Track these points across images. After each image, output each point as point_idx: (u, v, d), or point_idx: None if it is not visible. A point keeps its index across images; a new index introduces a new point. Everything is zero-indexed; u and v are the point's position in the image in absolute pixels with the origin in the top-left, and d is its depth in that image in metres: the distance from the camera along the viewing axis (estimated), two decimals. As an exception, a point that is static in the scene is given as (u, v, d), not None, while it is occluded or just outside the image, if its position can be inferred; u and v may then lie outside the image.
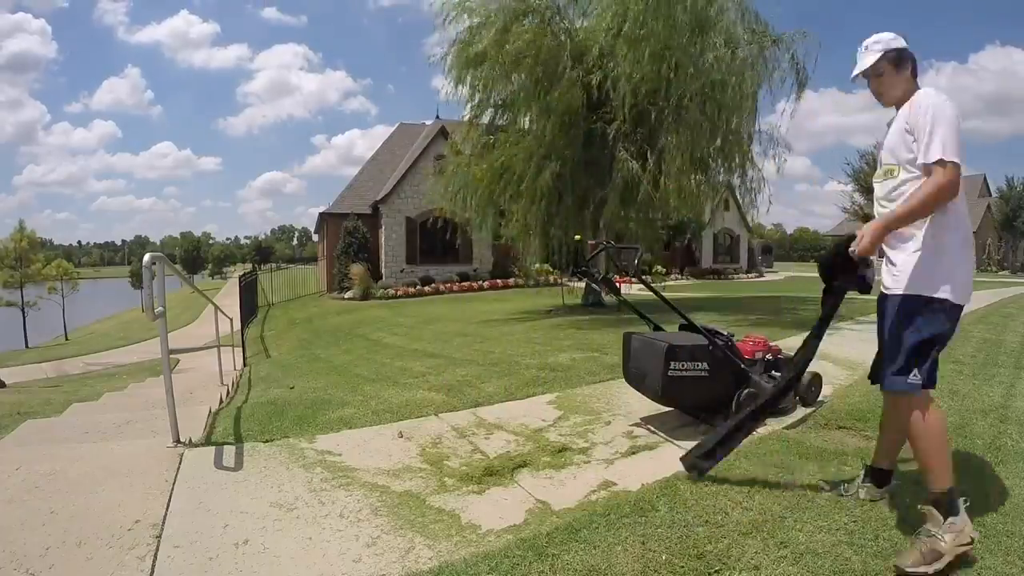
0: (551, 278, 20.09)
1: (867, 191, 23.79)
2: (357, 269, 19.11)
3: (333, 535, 2.14)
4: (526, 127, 10.67)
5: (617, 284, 3.54)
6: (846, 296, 2.26)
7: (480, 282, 20.47)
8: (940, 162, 1.86)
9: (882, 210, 2.09)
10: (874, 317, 2.21)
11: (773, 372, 3.67)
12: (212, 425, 3.50)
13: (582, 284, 12.19)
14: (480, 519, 2.28)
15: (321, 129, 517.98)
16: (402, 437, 3.25)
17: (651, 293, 3.48)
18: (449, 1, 10.11)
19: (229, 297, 19.29)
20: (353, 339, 9.35)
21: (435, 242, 20.56)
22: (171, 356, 3.47)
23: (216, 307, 7.64)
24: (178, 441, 2.99)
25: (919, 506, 1.96)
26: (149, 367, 9.67)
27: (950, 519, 1.84)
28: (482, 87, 10.35)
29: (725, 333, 3.38)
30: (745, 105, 9.49)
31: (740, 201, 12.51)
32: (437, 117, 22.21)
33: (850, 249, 2.04)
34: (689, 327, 3.37)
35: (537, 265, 18.06)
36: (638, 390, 3.43)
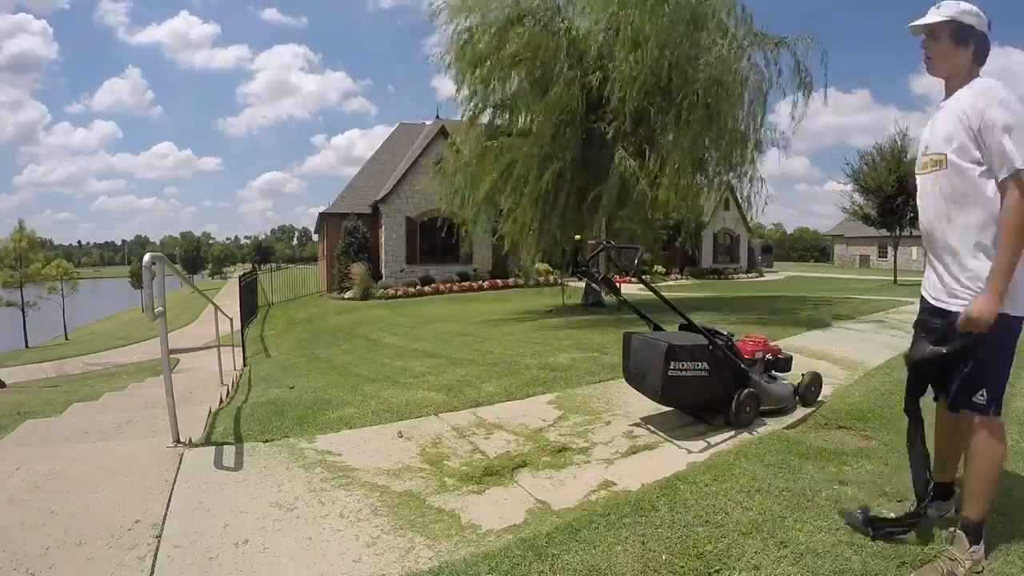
0: (551, 278, 20.11)
1: (867, 191, 23.77)
2: (357, 269, 19.11)
3: (333, 535, 2.14)
4: (526, 127, 10.67)
5: (617, 284, 3.54)
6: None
7: (480, 282, 20.48)
8: (1018, 173, 1.67)
9: (933, 206, 1.91)
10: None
11: (773, 372, 3.67)
12: (212, 425, 3.49)
13: (582, 284, 12.19)
14: (480, 519, 2.28)
15: (321, 129, 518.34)
16: (402, 437, 3.25)
17: (651, 293, 3.48)
18: (448, 1, 10.12)
19: (229, 297, 19.30)
20: (353, 339, 9.35)
21: (435, 242, 20.59)
22: (171, 356, 3.47)
23: (216, 307, 7.64)
24: (178, 441, 2.98)
25: (950, 528, 1.93)
26: (149, 367, 9.67)
27: (974, 546, 1.83)
28: (481, 87, 10.35)
29: (725, 333, 3.37)
30: (745, 106, 9.50)
31: (739, 201, 12.53)
32: (437, 117, 22.22)
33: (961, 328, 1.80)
34: (689, 327, 3.37)
35: (537, 265, 18.07)
36: (638, 390, 3.43)
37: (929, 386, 2.12)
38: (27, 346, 24.04)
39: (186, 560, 1.95)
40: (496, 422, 3.51)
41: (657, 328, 3.58)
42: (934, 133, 1.91)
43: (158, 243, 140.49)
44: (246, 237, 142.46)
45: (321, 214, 23.22)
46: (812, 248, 77.46)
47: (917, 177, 2.01)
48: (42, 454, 2.92)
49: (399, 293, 18.82)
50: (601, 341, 6.20)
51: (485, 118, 11.09)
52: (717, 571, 1.85)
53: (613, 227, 10.60)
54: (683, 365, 3.04)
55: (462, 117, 11.41)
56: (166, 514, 2.24)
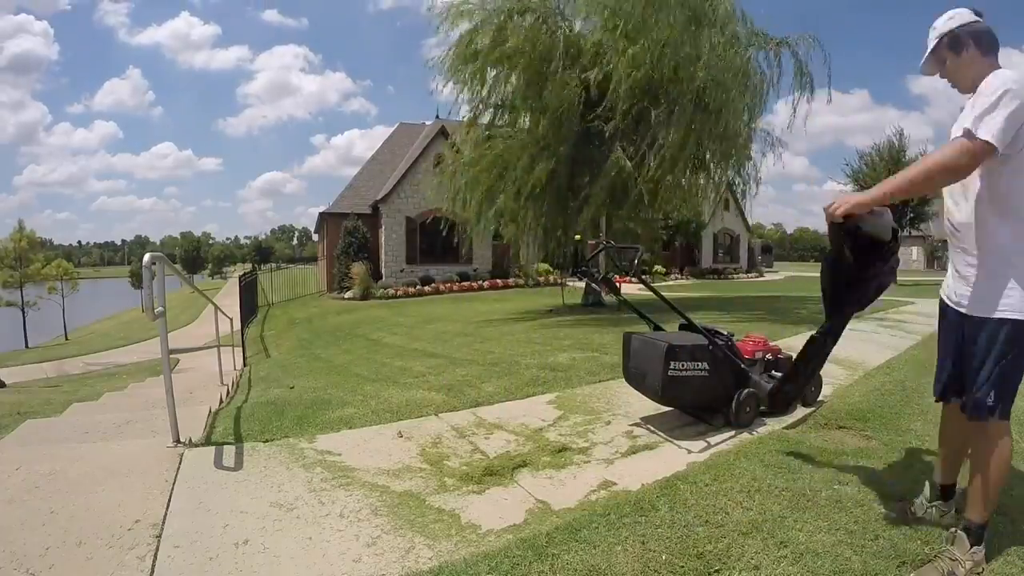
0: (551, 278, 20.12)
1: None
2: (357, 269, 19.12)
3: (333, 535, 2.14)
4: (525, 127, 10.68)
5: (617, 284, 3.54)
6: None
7: (480, 282, 20.48)
8: (968, 133, 1.67)
9: (950, 204, 1.92)
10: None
11: (773, 372, 3.67)
12: (212, 425, 3.49)
13: (582, 284, 12.19)
14: (480, 519, 2.28)
15: (321, 129, 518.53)
16: (402, 437, 3.25)
17: (651, 293, 3.48)
18: (447, 2, 10.13)
19: (229, 297, 19.30)
20: (353, 339, 9.35)
21: (435, 242, 20.59)
22: (171, 356, 3.47)
23: (216, 307, 7.64)
24: (178, 441, 2.98)
25: (951, 529, 1.93)
26: (149, 367, 9.67)
27: (975, 548, 1.83)
28: (480, 88, 10.37)
29: (725, 333, 3.38)
30: (744, 105, 9.49)
31: (739, 201, 12.53)
32: (437, 117, 22.21)
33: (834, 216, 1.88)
34: (689, 327, 3.37)
35: (537, 265, 18.06)
36: (638, 390, 3.43)
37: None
38: (27, 346, 24.03)
39: (186, 560, 1.95)
40: (496, 422, 3.51)
41: (657, 328, 3.58)
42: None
43: (158, 243, 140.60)
44: (246, 237, 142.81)
45: (321, 214, 23.22)
46: (812, 248, 77.49)
47: None
48: (42, 454, 2.92)
49: (399, 293, 18.83)
50: (601, 341, 6.20)
51: (485, 118, 11.11)
52: (717, 571, 1.85)
53: (613, 227, 10.62)
54: (683, 365, 3.04)
55: (462, 118, 11.44)
56: (166, 514, 2.24)
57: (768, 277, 30.53)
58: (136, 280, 42.08)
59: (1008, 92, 1.67)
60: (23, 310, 26.94)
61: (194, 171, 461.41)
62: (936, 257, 38.44)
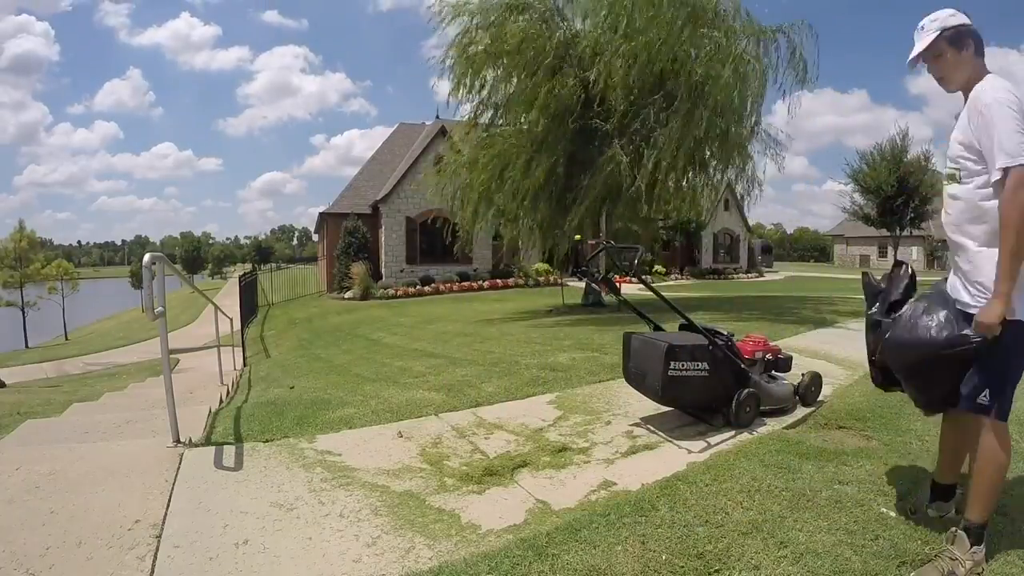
0: (551, 278, 20.12)
1: (867, 191, 23.78)
2: (357, 269, 19.12)
3: (333, 535, 2.14)
4: (524, 126, 10.67)
5: (617, 284, 3.54)
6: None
7: (480, 282, 20.48)
8: (1006, 170, 1.67)
9: (947, 217, 1.93)
10: None
11: (773, 372, 3.67)
12: (212, 425, 3.49)
13: (582, 284, 12.19)
14: (480, 519, 2.28)
15: (321, 130, 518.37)
16: (402, 437, 3.25)
17: (651, 293, 3.48)
18: (447, 2, 10.13)
19: (229, 297, 19.30)
20: (353, 339, 9.35)
21: (435, 242, 20.57)
22: (171, 356, 3.47)
23: (216, 307, 7.65)
24: (178, 441, 2.98)
25: (951, 529, 1.93)
26: (149, 367, 9.67)
27: (975, 548, 1.83)
28: (480, 87, 10.36)
29: (725, 333, 3.37)
30: (743, 100, 9.47)
31: (739, 200, 12.52)
32: (437, 117, 22.22)
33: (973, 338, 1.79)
34: (689, 327, 3.36)
35: (537, 265, 18.05)
36: (638, 390, 3.43)
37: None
38: (27, 346, 24.05)
39: (186, 560, 1.95)
40: (496, 422, 3.51)
41: (657, 328, 3.58)
42: (951, 148, 1.92)
43: (158, 243, 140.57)
44: (246, 237, 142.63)
45: (321, 214, 23.23)
46: (812, 248, 77.49)
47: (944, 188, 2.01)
48: (42, 454, 2.92)
49: (399, 293, 18.83)
50: (601, 341, 6.20)
51: (485, 118, 11.10)
52: (717, 571, 1.85)
53: (613, 227, 10.60)
54: (683, 365, 3.04)
55: (462, 117, 11.43)
56: (166, 514, 2.24)
57: (768, 277, 30.53)
58: (136, 280, 42.09)
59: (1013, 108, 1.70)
60: (23, 310, 26.96)
61: (194, 171, 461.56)
62: (936, 257, 38.46)
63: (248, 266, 55.50)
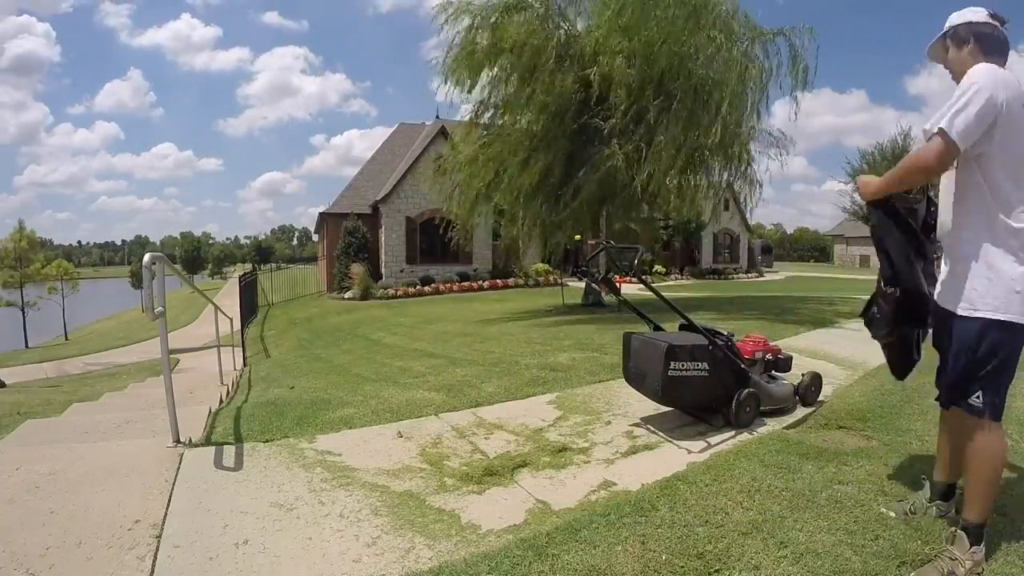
0: (551, 278, 20.12)
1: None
2: (357, 269, 19.12)
3: (333, 535, 2.14)
4: (524, 126, 10.67)
5: (617, 284, 3.54)
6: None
7: (480, 282, 20.48)
8: (940, 131, 1.73)
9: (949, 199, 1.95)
10: None
11: (773, 372, 3.67)
12: (212, 425, 3.49)
13: (582, 284, 12.19)
14: (480, 519, 2.28)
15: (321, 130, 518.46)
16: (402, 437, 3.25)
17: (651, 293, 3.48)
18: (448, 2, 10.12)
19: (229, 297, 19.31)
20: (353, 339, 9.35)
21: (435, 242, 20.59)
22: (171, 356, 3.47)
23: (216, 307, 7.65)
24: (178, 441, 2.98)
25: (951, 528, 1.93)
26: (149, 367, 9.67)
27: (975, 547, 1.83)
28: (480, 87, 10.37)
29: (725, 333, 3.37)
30: (744, 101, 9.47)
31: (739, 201, 12.51)
32: (437, 117, 22.23)
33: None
34: (689, 327, 3.36)
35: (537, 265, 18.04)
36: (638, 390, 3.43)
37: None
38: (27, 346, 24.06)
39: (186, 560, 1.95)
40: (496, 422, 3.51)
41: (657, 328, 3.58)
42: None
43: (158, 243, 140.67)
44: (246, 237, 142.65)
45: (321, 214, 23.23)
46: (812, 248, 77.48)
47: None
48: (42, 454, 2.92)
49: (399, 293, 18.83)
50: (601, 341, 6.20)
51: (485, 118, 11.10)
52: (717, 571, 1.85)
53: (613, 227, 10.60)
54: (683, 365, 3.04)
55: (462, 117, 11.42)
56: (166, 514, 2.24)
57: (768, 277, 30.53)
58: (136, 280, 42.10)
59: (979, 88, 1.73)
60: (23, 310, 26.96)
61: (194, 171, 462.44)
62: (936, 257, 38.36)
63: (248, 266, 55.50)
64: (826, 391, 3.82)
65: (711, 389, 3.17)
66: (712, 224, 27.37)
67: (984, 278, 1.80)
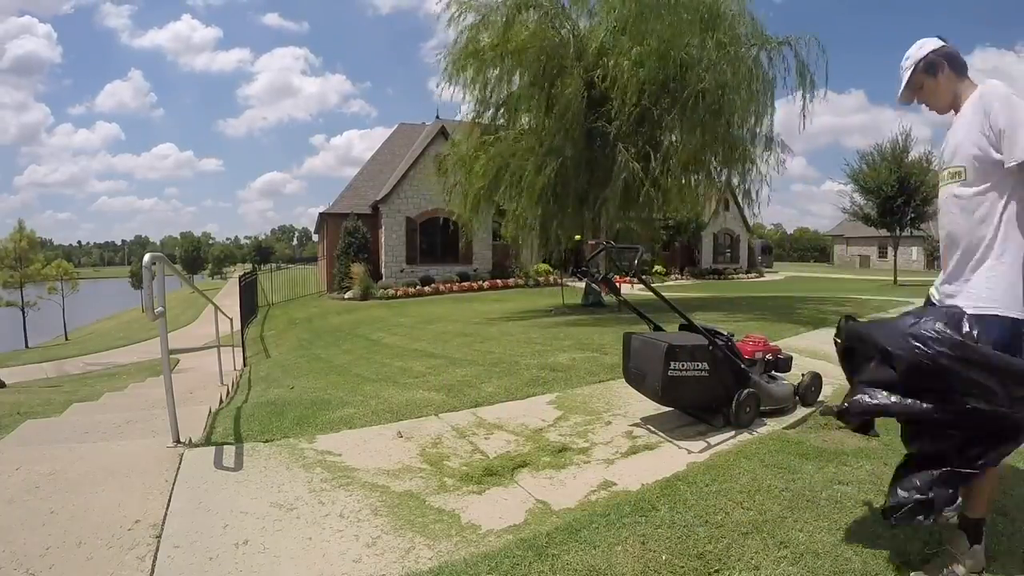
0: (551, 278, 20.12)
1: (867, 191, 23.77)
2: (357, 269, 19.11)
3: (333, 535, 2.14)
4: (526, 126, 10.66)
5: (617, 284, 3.54)
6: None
7: (480, 282, 20.46)
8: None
9: (953, 215, 1.92)
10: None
11: (773, 372, 3.67)
12: (212, 425, 3.49)
13: (582, 284, 12.19)
14: (480, 519, 2.28)
15: (321, 131, 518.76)
16: (402, 437, 3.25)
17: (651, 293, 3.48)
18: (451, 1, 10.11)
19: (229, 297, 19.31)
20: (353, 339, 9.35)
21: (435, 242, 20.60)
22: (171, 356, 3.47)
23: (216, 307, 7.64)
24: (178, 441, 2.98)
25: (951, 528, 1.92)
26: (149, 367, 9.67)
27: (975, 546, 1.83)
28: (482, 86, 10.35)
29: (725, 333, 3.37)
30: (748, 106, 9.48)
31: (739, 201, 12.52)
32: (437, 117, 22.23)
33: None
34: (689, 327, 3.37)
35: (537, 265, 18.03)
36: (638, 390, 3.43)
37: None
38: (27, 346, 24.05)
39: (186, 560, 1.95)
40: (496, 422, 3.51)
41: (657, 328, 3.58)
42: (952, 147, 1.93)
43: (158, 243, 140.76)
44: (246, 237, 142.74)
45: (321, 214, 23.22)
46: (812, 248, 77.45)
47: (940, 189, 2.02)
48: (42, 454, 2.92)
49: (399, 293, 18.82)
50: (601, 341, 6.20)
51: (486, 118, 11.09)
52: (717, 571, 1.85)
53: (614, 227, 10.60)
54: (683, 365, 3.04)
55: (463, 117, 11.41)
56: (166, 514, 2.24)
57: (768, 277, 30.53)
58: (136, 280, 42.06)
59: None
60: (23, 310, 26.95)
61: (195, 171, 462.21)
62: (936, 257, 38.42)
63: (248, 266, 55.51)
64: (826, 391, 3.82)
65: (711, 389, 3.17)
66: (712, 224, 27.43)
67: (998, 278, 1.79)
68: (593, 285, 10.64)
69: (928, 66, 1.98)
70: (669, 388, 3.06)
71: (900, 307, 9.08)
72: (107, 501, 2.34)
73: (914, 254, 38.90)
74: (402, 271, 20.60)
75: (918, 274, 30.38)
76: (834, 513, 2.19)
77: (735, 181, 10.54)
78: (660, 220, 12.74)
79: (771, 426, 3.27)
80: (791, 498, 2.33)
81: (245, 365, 8.14)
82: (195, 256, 74.19)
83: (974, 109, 1.85)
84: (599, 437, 3.20)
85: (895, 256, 26.02)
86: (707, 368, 3.11)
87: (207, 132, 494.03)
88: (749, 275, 30.32)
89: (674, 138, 9.95)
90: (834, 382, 4.16)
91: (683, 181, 10.20)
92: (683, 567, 1.87)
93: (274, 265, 39.53)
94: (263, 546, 2.05)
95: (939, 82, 1.97)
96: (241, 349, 9.58)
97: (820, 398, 3.71)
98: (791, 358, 3.76)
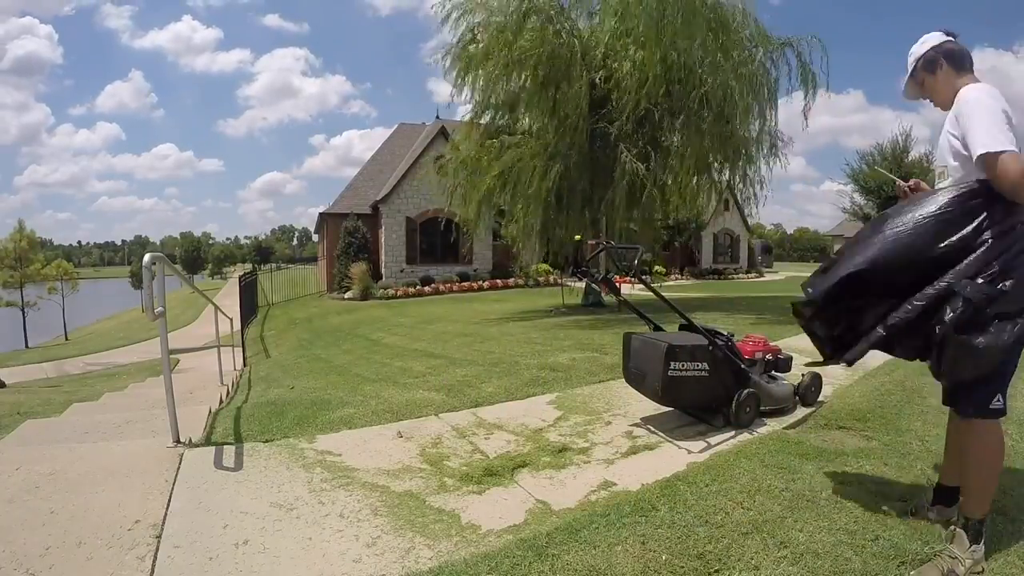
0: (551, 278, 20.12)
1: (867, 191, 23.79)
2: (357, 269, 19.11)
3: (333, 535, 2.14)
4: (527, 126, 10.65)
5: (617, 284, 3.54)
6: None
7: (480, 282, 20.47)
8: (982, 156, 1.74)
9: None
10: None
11: (773, 372, 3.67)
12: (212, 425, 3.49)
13: (582, 284, 12.19)
14: (480, 519, 2.28)
15: (321, 131, 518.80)
16: (402, 437, 3.25)
17: (651, 293, 3.48)
18: (452, 1, 10.10)
19: (229, 297, 19.30)
20: (353, 339, 9.35)
21: (435, 242, 20.59)
22: (171, 356, 3.47)
23: (216, 307, 7.64)
24: (178, 441, 2.98)
25: (951, 527, 1.93)
26: (149, 367, 9.67)
27: (975, 546, 1.83)
28: (483, 87, 10.33)
29: (725, 333, 3.37)
30: (751, 107, 9.49)
31: (740, 201, 12.52)
32: (437, 117, 22.24)
33: None
34: (689, 327, 3.36)
35: (537, 265, 18.03)
36: (638, 390, 3.43)
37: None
38: (27, 346, 24.05)
39: (186, 560, 1.95)
40: (496, 422, 3.51)
41: (657, 328, 3.58)
42: (938, 148, 2.00)
43: (158, 243, 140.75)
44: (246, 237, 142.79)
45: (321, 214, 23.22)
46: (812, 248, 77.44)
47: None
48: (42, 454, 2.92)
49: (399, 293, 18.82)
50: (601, 341, 6.20)
51: (486, 118, 11.08)
52: (717, 571, 1.85)
53: (615, 227, 10.61)
54: (683, 365, 3.04)
55: (463, 118, 11.40)
56: (166, 514, 2.24)
57: (768, 277, 30.53)
58: (136, 280, 42.07)
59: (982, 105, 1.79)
60: (23, 310, 26.93)
61: (195, 172, 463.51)
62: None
63: (248, 266, 55.48)
64: (826, 391, 3.82)
65: (711, 389, 3.17)
66: (712, 224, 27.45)
67: None
68: (593, 285, 10.65)
69: (926, 63, 2.01)
70: (669, 388, 3.06)
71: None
72: (107, 501, 2.34)
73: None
74: (402, 271, 20.60)
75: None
76: (834, 513, 2.19)
77: (736, 181, 10.55)
78: (661, 220, 12.73)
79: (771, 426, 3.27)
80: (791, 498, 2.33)
81: (245, 365, 8.14)
82: (195, 256, 74.26)
83: (951, 113, 1.90)
84: (599, 437, 3.20)
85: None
86: (707, 368, 3.11)
87: (207, 132, 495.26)
88: (749, 275, 30.32)
89: (676, 139, 9.95)
90: (834, 382, 4.16)
91: (685, 181, 10.20)
92: (683, 567, 1.87)
93: (274, 265, 39.55)
94: (263, 546, 2.05)
95: (937, 79, 1.99)
96: (241, 349, 9.58)
97: (820, 398, 3.71)
98: (791, 358, 3.76)
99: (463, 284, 20.20)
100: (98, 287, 63.23)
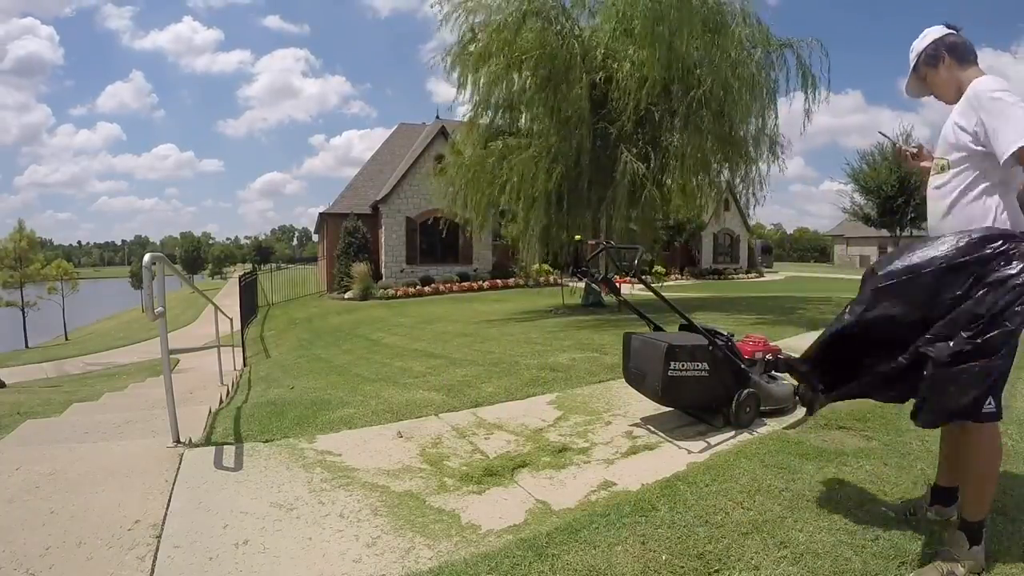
0: (551, 278, 20.12)
1: (867, 191, 23.82)
2: (357, 269, 19.11)
3: (333, 535, 2.14)
4: (528, 127, 10.64)
5: (617, 284, 3.54)
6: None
7: (480, 282, 20.48)
8: (1015, 153, 1.68)
9: (932, 206, 1.95)
10: None
11: (773, 372, 3.67)
12: (212, 425, 3.49)
13: (582, 284, 12.20)
14: (480, 519, 2.28)
15: (321, 131, 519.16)
16: (402, 437, 3.25)
17: (651, 293, 3.48)
18: (454, 1, 10.09)
19: (229, 297, 19.30)
20: (353, 339, 9.35)
21: (435, 242, 20.59)
22: (171, 356, 3.47)
23: (216, 307, 7.64)
24: (178, 441, 2.98)
25: (950, 528, 1.92)
26: (149, 367, 9.67)
27: (974, 547, 1.82)
28: (484, 87, 10.33)
29: (725, 333, 3.37)
30: (751, 107, 9.49)
31: (740, 201, 12.53)
32: (437, 117, 22.25)
33: None
34: (689, 327, 3.36)
35: (537, 265, 18.04)
36: (638, 390, 3.43)
37: None
38: (27, 346, 24.06)
39: (186, 560, 1.95)
40: (496, 422, 3.51)
41: (657, 328, 3.58)
42: (940, 141, 1.96)
43: (158, 243, 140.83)
44: (246, 237, 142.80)
45: (321, 214, 23.23)
46: (812, 248, 77.45)
47: (930, 179, 2.03)
48: (42, 454, 2.92)
49: (399, 293, 18.82)
50: (601, 341, 6.20)
51: (487, 118, 11.08)
52: (717, 571, 1.85)
53: (615, 227, 10.62)
54: (683, 365, 3.04)
55: (463, 118, 11.40)
56: (166, 514, 2.24)
57: (768, 277, 30.52)
58: (136, 280, 42.07)
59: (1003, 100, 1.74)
60: (23, 310, 26.94)
61: (195, 172, 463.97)
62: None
63: (248, 266, 55.48)
64: (826, 391, 3.81)
65: (711, 389, 3.17)
66: (712, 224, 27.44)
67: None
68: (593, 285, 10.64)
69: (928, 58, 1.97)
70: (669, 388, 3.06)
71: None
72: (107, 501, 2.34)
73: (914, 254, 38.79)
74: (402, 271, 20.60)
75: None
76: (834, 513, 2.19)
77: (736, 181, 10.56)
78: (661, 220, 12.74)
79: (771, 426, 3.27)
80: (791, 498, 2.33)
81: (245, 365, 8.14)
82: (195, 256, 74.24)
83: (966, 102, 1.85)
84: (599, 437, 3.20)
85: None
86: (707, 368, 3.11)
87: (207, 133, 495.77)
88: (749, 275, 30.32)
89: (676, 139, 9.95)
90: (834, 382, 4.16)
91: (685, 181, 10.21)
92: (683, 567, 1.87)
93: (274, 265, 39.55)
94: (263, 546, 2.05)
95: (940, 73, 1.96)
96: (241, 349, 9.58)
97: (820, 398, 3.70)
98: (791, 358, 3.75)
99: (463, 284, 20.21)
100: (98, 287, 63.25)
